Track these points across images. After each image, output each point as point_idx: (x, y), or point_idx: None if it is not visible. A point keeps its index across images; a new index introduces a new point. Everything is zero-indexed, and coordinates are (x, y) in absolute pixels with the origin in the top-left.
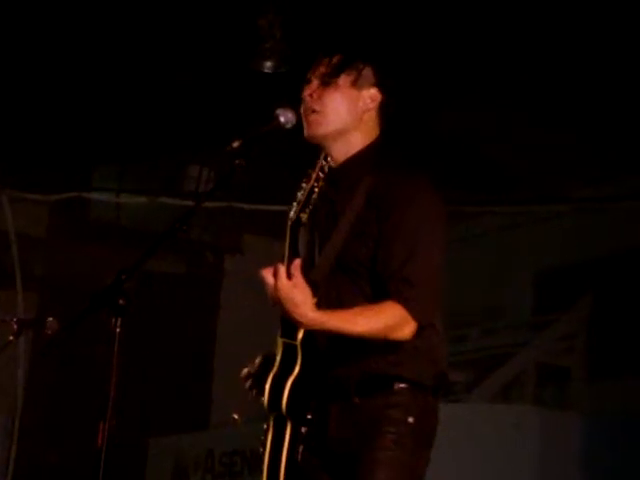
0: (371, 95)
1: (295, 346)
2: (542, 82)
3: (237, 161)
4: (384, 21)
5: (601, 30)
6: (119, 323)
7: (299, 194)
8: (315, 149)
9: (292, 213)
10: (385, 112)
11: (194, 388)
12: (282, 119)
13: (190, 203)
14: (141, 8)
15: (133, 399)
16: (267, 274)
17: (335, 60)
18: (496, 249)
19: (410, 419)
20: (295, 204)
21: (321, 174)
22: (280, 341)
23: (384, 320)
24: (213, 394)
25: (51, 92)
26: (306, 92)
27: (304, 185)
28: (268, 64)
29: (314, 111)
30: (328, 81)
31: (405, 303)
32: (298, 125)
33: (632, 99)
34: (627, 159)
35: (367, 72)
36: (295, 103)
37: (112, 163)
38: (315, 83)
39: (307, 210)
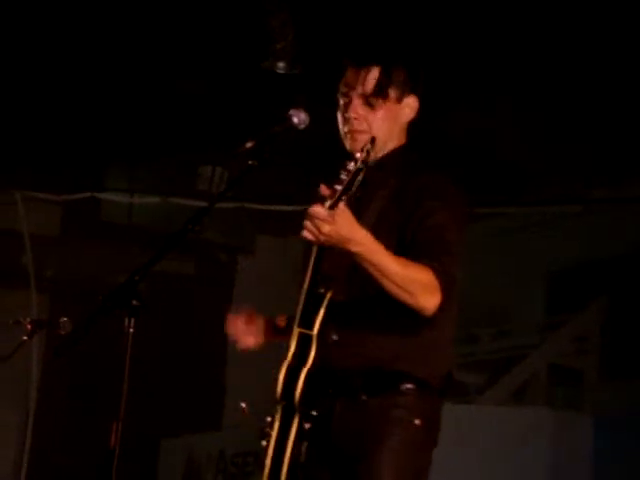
0: (410, 104)
1: (311, 337)
2: (555, 83)
3: (250, 161)
4: (394, 21)
5: (617, 30)
6: (132, 324)
7: (337, 184)
8: (322, 151)
9: (330, 201)
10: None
11: (206, 388)
12: (295, 120)
13: (202, 203)
14: (154, 7)
15: (145, 399)
16: (316, 211)
17: (375, 75)
18: (509, 250)
19: (417, 421)
20: (334, 191)
21: (360, 165)
22: (296, 331)
23: (420, 276)
24: (225, 394)
25: (63, 92)
26: (351, 113)
27: (343, 177)
28: (280, 64)
29: (359, 132)
30: (372, 102)
31: (438, 275)
32: (310, 126)
33: None
34: None
35: (405, 80)
36: (307, 103)
37: (124, 163)
38: (358, 104)
39: (345, 197)
